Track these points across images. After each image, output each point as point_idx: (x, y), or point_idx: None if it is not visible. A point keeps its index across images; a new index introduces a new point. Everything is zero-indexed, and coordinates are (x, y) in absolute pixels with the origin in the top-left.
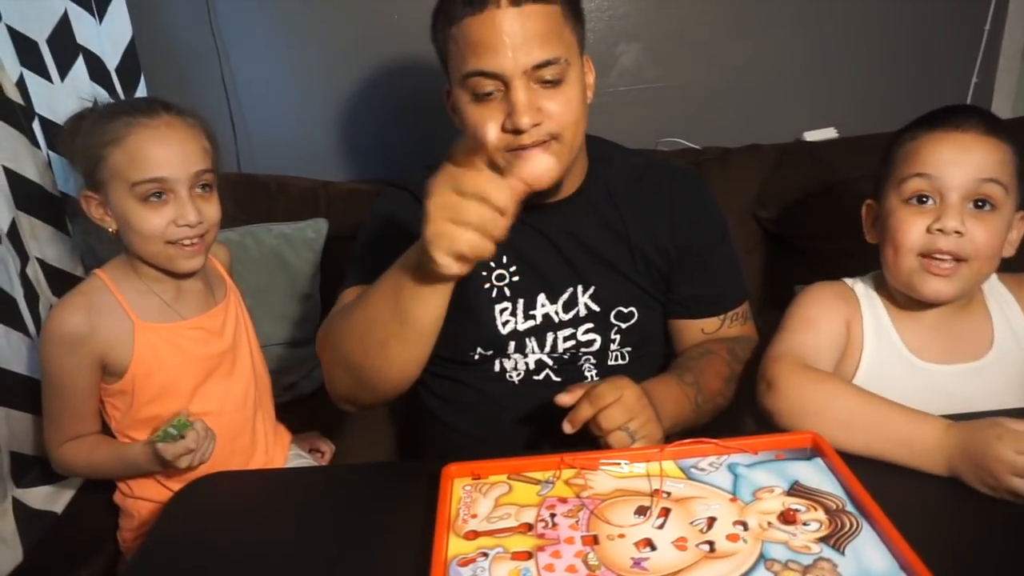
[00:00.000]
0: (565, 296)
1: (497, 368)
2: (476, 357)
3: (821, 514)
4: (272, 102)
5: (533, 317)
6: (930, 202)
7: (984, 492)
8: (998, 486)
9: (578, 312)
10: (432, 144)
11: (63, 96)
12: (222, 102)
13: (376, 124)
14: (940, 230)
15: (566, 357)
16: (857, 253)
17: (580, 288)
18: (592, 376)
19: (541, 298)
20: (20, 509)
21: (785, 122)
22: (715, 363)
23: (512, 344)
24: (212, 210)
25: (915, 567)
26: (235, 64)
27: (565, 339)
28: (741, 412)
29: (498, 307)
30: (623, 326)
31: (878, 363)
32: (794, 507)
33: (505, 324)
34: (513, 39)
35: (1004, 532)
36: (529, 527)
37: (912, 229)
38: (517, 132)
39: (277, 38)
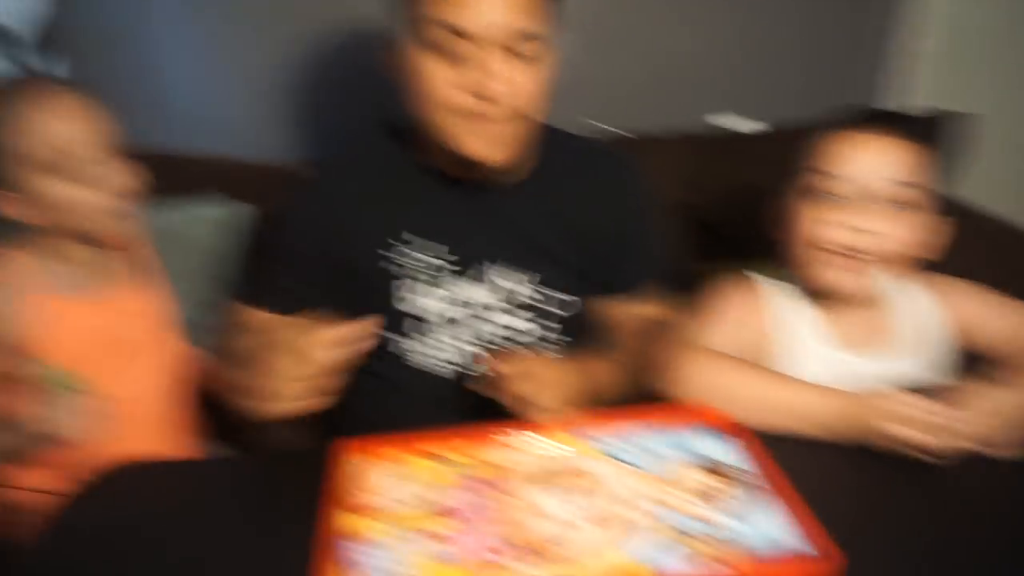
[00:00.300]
0: (506, 284)
1: (421, 359)
2: (398, 344)
3: (731, 487)
4: (195, 77)
5: (468, 304)
6: (838, 200)
7: (898, 450)
8: (890, 438)
9: (518, 301)
10: (360, 124)
11: None
12: (144, 77)
13: (301, 102)
14: (846, 227)
15: (500, 348)
16: (779, 243)
17: (523, 277)
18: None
19: (478, 286)
20: None
21: (713, 110)
22: (641, 340)
23: (442, 331)
24: (121, 178)
25: (816, 535)
26: (157, 37)
27: (501, 327)
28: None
29: (427, 289)
30: (564, 315)
31: (791, 354)
32: (707, 481)
33: (435, 309)
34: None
35: (903, 499)
36: (438, 504)
37: (817, 225)
38: (482, 99)
39: (202, 10)
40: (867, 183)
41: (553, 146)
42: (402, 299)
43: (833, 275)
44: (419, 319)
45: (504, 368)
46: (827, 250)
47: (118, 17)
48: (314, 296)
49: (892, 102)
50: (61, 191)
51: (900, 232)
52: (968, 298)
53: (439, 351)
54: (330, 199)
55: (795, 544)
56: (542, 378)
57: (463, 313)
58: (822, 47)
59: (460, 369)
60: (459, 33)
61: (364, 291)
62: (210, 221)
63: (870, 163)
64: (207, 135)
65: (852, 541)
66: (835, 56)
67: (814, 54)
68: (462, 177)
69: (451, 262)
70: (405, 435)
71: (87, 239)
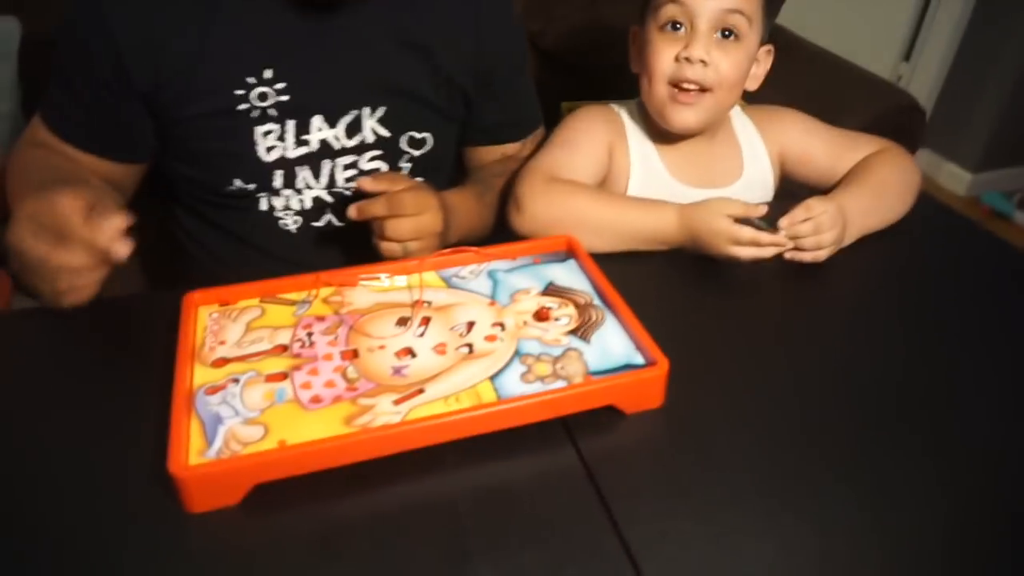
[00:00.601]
0: (348, 119)
1: (264, 207)
2: (235, 190)
3: (571, 310)
4: None
5: (306, 143)
6: (682, 30)
7: (716, 258)
8: (721, 255)
9: (364, 139)
10: None
11: None
12: None
13: None
14: (687, 59)
15: (347, 193)
16: (625, 70)
17: (367, 110)
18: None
19: (317, 120)
20: None
21: None
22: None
23: (280, 175)
24: None
25: (647, 346)
26: None
27: (345, 167)
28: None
29: (260, 129)
30: (415, 153)
31: (643, 186)
32: (547, 305)
33: (270, 150)
34: None
35: (720, 304)
36: (284, 348)
37: (663, 57)
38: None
39: None
40: (709, 12)
41: None
42: (249, 143)
43: (679, 112)
44: (263, 164)
45: (389, 200)
46: (674, 84)
47: None
48: (136, 142)
49: None
50: None
51: (735, 63)
52: (790, 124)
53: (284, 198)
54: (142, 14)
55: (627, 356)
56: (421, 226)
57: (299, 152)
58: None
59: (302, 217)
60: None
61: (209, 135)
62: None
63: None
64: None
65: (675, 346)
66: None
67: None
68: None
69: (279, 91)
70: (255, 283)
71: None
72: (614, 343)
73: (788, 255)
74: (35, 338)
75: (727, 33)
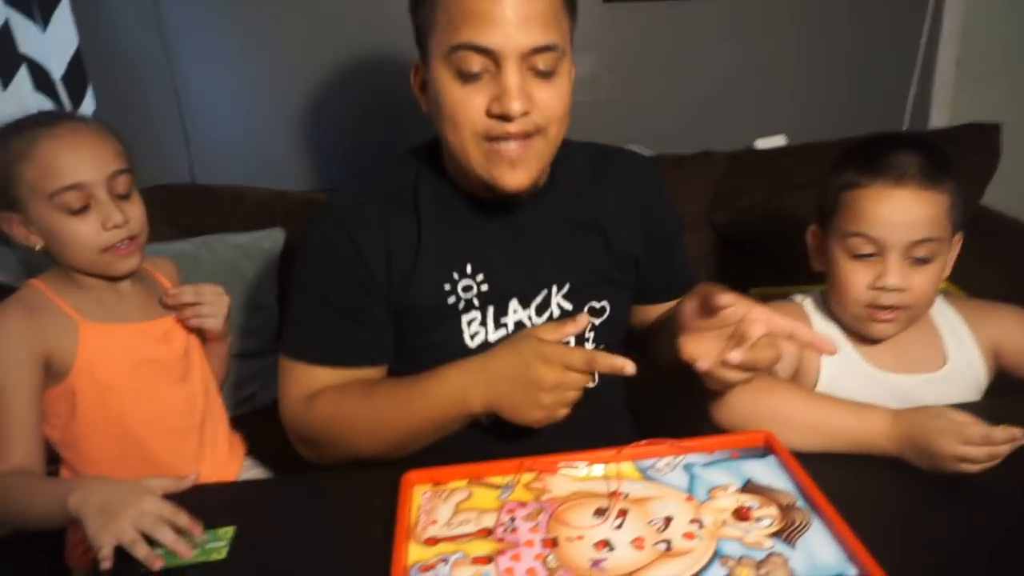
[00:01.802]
0: (538, 299)
1: None
2: None
3: (773, 510)
4: (224, 110)
5: (504, 325)
6: (873, 257)
7: (931, 472)
8: (943, 469)
9: (551, 314)
10: (388, 147)
11: (6, 106)
12: (173, 111)
13: (330, 130)
14: (882, 288)
15: None
16: (806, 255)
17: (554, 288)
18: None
19: (513, 303)
20: None
21: (736, 130)
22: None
23: None
24: (136, 210)
25: (862, 557)
26: (186, 72)
27: None
28: (700, 416)
29: (465, 318)
30: (596, 322)
31: (837, 374)
32: (747, 504)
33: (474, 336)
34: (515, 13)
35: (948, 516)
36: (489, 531)
37: (857, 284)
38: (504, 118)
39: (227, 45)
40: (901, 242)
41: (563, 150)
42: (457, 331)
43: (877, 328)
44: (468, 351)
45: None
46: (869, 307)
47: (143, 50)
48: (386, 342)
49: (924, 116)
50: (59, 222)
51: (931, 281)
52: (1010, 321)
53: None
54: (370, 238)
55: (839, 566)
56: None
57: (499, 335)
58: (859, 68)
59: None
60: (475, 50)
61: (424, 328)
62: (247, 250)
63: (898, 222)
64: (232, 167)
65: (893, 559)
66: (872, 75)
67: (852, 75)
68: (489, 197)
69: (479, 282)
70: (464, 465)
71: (87, 273)
72: (823, 551)
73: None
74: (259, 506)
75: (921, 258)
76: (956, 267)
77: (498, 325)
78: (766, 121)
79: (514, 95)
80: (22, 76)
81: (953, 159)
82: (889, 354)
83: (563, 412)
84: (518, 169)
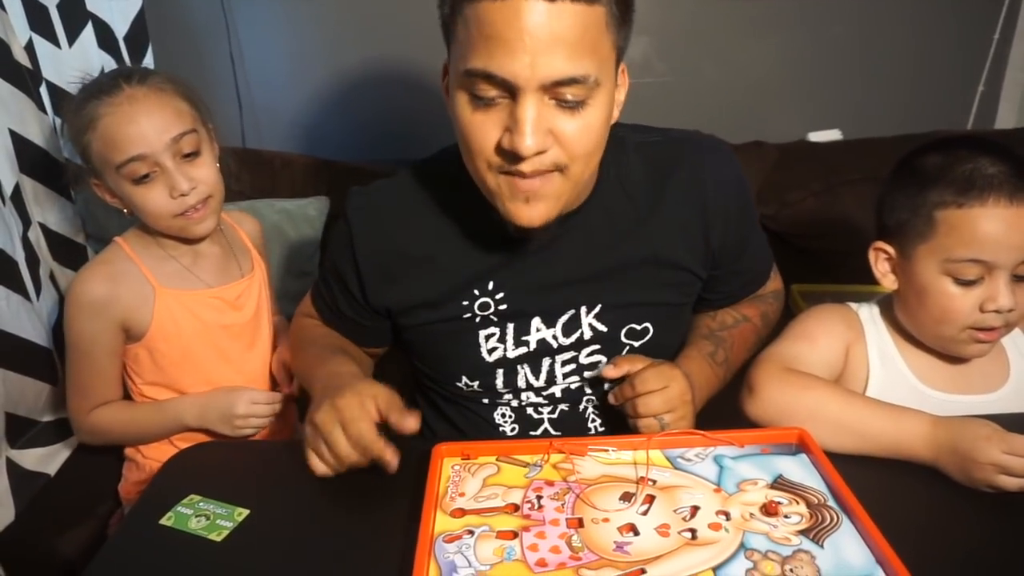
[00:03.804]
0: (564, 319)
1: (487, 402)
2: (465, 389)
3: (803, 507)
4: (280, 78)
5: (526, 343)
6: (978, 278)
7: (965, 484)
8: (980, 482)
9: (581, 335)
10: (439, 124)
11: (71, 62)
12: (229, 76)
13: (383, 103)
14: (995, 311)
15: (562, 399)
16: (855, 253)
17: (583, 309)
18: (596, 427)
19: (536, 322)
20: (13, 469)
21: (790, 122)
22: (747, 333)
23: (500, 373)
24: (202, 172)
25: (891, 561)
26: (243, 38)
27: (564, 363)
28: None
29: (483, 333)
30: (635, 344)
31: (885, 388)
32: (776, 499)
33: (492, 352)
34: (535, 41)
35: (980, 526)
36: (515, 507)
37: (964, 308)
38: (516, 156)
39: (286, 14)
40: (1014, 263)
41: (619, 145)
42: (474, 345)
43: (978, 348)
44: (486, 364)
45: (633, 380)
46: (973, 328)
47: (203, 14)
48: (378, 336)
49: (990, 117)
50: (131, 191)
51: None
52: None
53: (506, 401)
54: (387, 255)
55: (867, 568)
56: (669, 397)
57: (518, 352)
58: (923, 63)
59: (519, 424)
60: (489, 80)
61: (442, 336)
62: (293, 215)
63: (1013, 243)
64: (283, 133)
65: (922, 567)
66: (937, 71)
67: (915, 70)
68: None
69: (498, 301)
70: (494, 441)
71: (169, 236)
72: (851, 552)
73: None
74: (297, 467)
75: (1020, 276)
76: None
77: (519, 343)
78: (821, 114)
79: (527, 132)
80: (87, 34)
81: None
82: (944, 373)
83: (311, 457)
84: (534, 205)
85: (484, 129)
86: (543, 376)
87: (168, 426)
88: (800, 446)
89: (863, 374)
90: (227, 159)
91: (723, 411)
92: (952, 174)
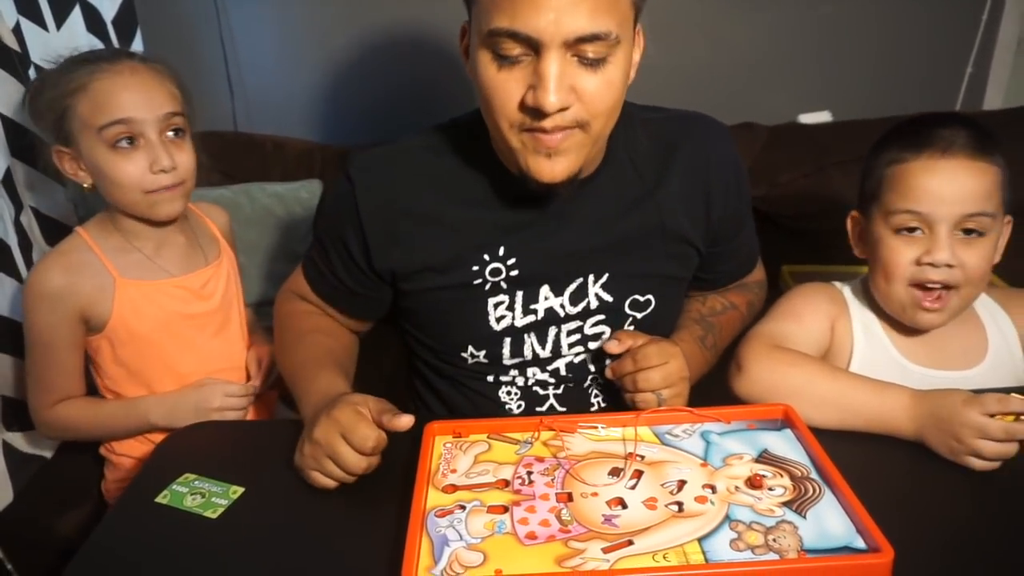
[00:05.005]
0: (573, 287)
1: (491, 379)
2: (469, 360)
3: (786, 480)
4: (270, 62)
5: (534, 312)
6: (919, 232)
7: (946, 457)
8: (961, 449)
9: (588, 304)
10: (433, 108)
11: (59, 45)
12: (220, 60)
13: (373, 87)
14: (931, 263)
15: (567, 375)
16: (844, 234)
17: (591, 278)
18: (600, 404)
19: (544, 290)
20: (10, 451)
21: (780, 103)
22: (734, 320)
23: (508, 342)
24: (185, 157)
25: (870, 530)
26: (234, 22)
27: (569, 333)
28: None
29: (492, 300)
30: (638, 316)
31: (869, 364)
32: (761, 473)
33: (500, 320)
34: None
35: (959, 500)
36: (506, 483)
37: (902, 260)
38: (539, 113)
39: None
40: (950, 215)
41: (627, 121)
42: (482, 313)
43: (925, 316)
44: (494, 332)
45: (634, 355)
46: (916, 285)
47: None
48: (373, 306)
49: (978, 98)
50: (105, 158)
51: (982, 257)
52: None
53: (511, 377)
54: (392, 215)
55: (847, 537)
56: (668, 373)
57: (526, 321)
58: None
59: (524, 401)
60: (513, 37)
61: (448, 303)
62: (285, 199)
63: (946, 194)
64: (275, 117)
65: (902, 537)
66: (926, 53)
67: (904, 52)
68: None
69: (509, 266)
70: (485, 420)
71: (131, 215)
72: (833, 522)
73: None
74: (287, 446)
75: (969, 231)
76: (1004, 259)
77: (527, 311)
78: (811, 96)
79: (551, 88)
80: (75, 17)
81: (1006, 143)
82: (926, 348)
83: (315, 477)
84: (556, 160)
85: (508, 87)
86: (549, 346)
87: (134, 425)
88: (785, 421)
89: (848, 349)
90: (201, 153)
91: (711, 391)
92: (903, 135)
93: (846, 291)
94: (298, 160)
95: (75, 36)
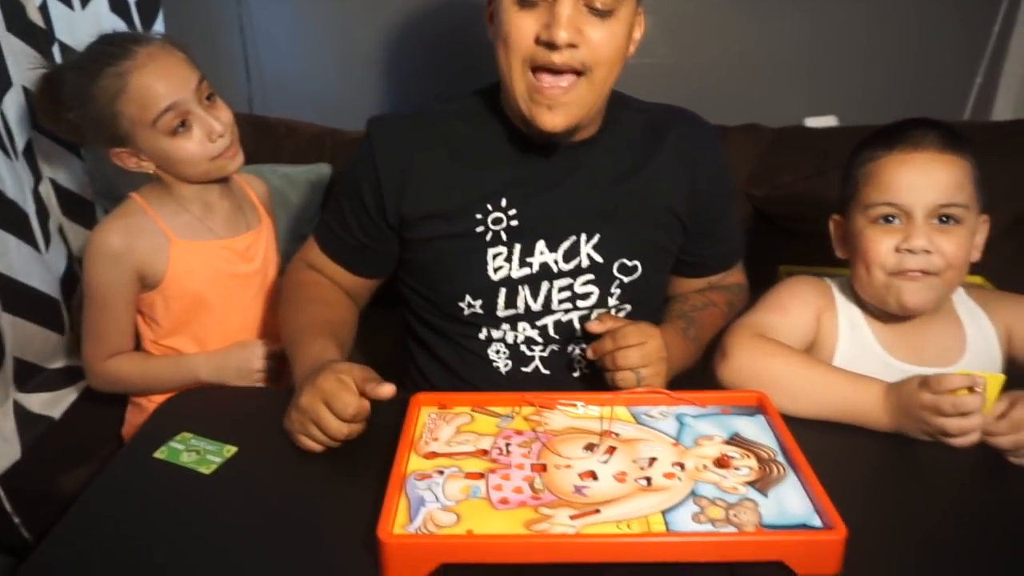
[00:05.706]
0: (566, 244)
1: (483, 337)
2: (466, 311)
3: (753, 462)
4: (287, 46)
5: (529, 265)
6: (896, 221)
7: (927, 440)
8: (930, 430)
9: (579, 262)
10: (446, 98)
11: (83, 23)
12: (237, 43)
13: (388, 74)
14: (908, 250)
15: (554, 335)
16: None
17: (584, 236)
18: (582, 370)
19: (540, 245)
20: (20, 411)
21: (787, 106)
22: (715, 317)
23: (503, 292)
24: (225, 114)
25: (827, 509)
26: (253, 6)
27: (560, 289)
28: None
29: (491, 251)
30: (625, 280)
31: (852, 358)
32: (729, 454)
33: (497, 270)
34: None
35: (916, 487)
36: (485, 452)
37: (881, 248)
38: (550, 46)
39: None
40: (924, 204)
41: (624, 105)
42: (482, 262)
43: (908, 290)
44: (491, 282)
45: (614, 335)
46: (896, 274)
47: None
48: (380, 262)
49: (987, 108)
50: (168, 144)
51: (959, 244)
52: (1018, 306)
53: (502, 332)
54: (403, 153)
55: (805, 516)
56: (647, 352)
57: (522, 273)
58: (922, 53)
59: (512, 361)
60: None
61: (450, 254)
62: (295, 181)
63: (919, 184)
64: (290, 101)
65: (857, 517)
66: (935, 62)
67: (913, 60)
68: (532, 135)
69: (511, 216)
70: (469, 393)
71: (201, 181)
72: (792, 501)
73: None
74: (281, 412)
75: (944, 219)
76: (1002, 269)
77: (523, 264)
78: (818, 100)
79: (562, 24)
80: None
81: (1012, 154)
82: (908, 344)
83: (302, 440)
84: (556, 111)
85: (525, 24)
86: (540, 299)
87: (182, 380)
88: (759, 408)
89: (832, 342)
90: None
91: (692, 376)
92: (877, 138)
93: (834, 286)
94: (310, 144)
95: (99, 16)
